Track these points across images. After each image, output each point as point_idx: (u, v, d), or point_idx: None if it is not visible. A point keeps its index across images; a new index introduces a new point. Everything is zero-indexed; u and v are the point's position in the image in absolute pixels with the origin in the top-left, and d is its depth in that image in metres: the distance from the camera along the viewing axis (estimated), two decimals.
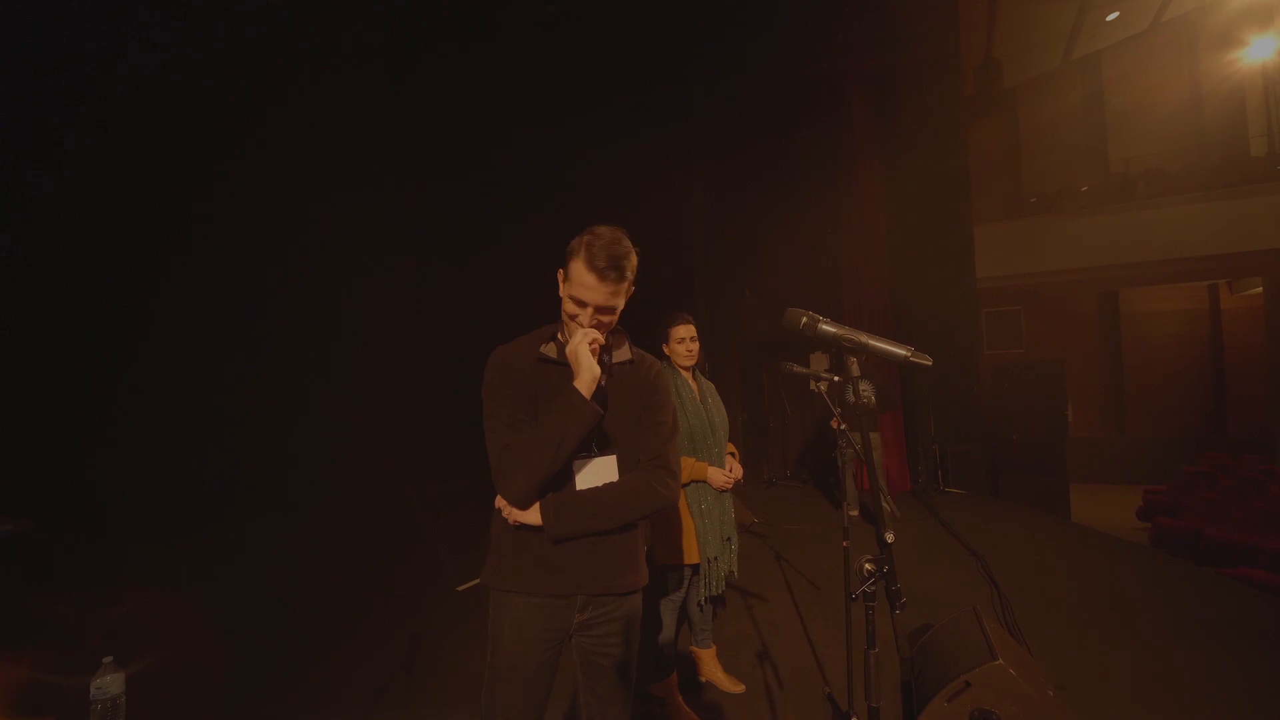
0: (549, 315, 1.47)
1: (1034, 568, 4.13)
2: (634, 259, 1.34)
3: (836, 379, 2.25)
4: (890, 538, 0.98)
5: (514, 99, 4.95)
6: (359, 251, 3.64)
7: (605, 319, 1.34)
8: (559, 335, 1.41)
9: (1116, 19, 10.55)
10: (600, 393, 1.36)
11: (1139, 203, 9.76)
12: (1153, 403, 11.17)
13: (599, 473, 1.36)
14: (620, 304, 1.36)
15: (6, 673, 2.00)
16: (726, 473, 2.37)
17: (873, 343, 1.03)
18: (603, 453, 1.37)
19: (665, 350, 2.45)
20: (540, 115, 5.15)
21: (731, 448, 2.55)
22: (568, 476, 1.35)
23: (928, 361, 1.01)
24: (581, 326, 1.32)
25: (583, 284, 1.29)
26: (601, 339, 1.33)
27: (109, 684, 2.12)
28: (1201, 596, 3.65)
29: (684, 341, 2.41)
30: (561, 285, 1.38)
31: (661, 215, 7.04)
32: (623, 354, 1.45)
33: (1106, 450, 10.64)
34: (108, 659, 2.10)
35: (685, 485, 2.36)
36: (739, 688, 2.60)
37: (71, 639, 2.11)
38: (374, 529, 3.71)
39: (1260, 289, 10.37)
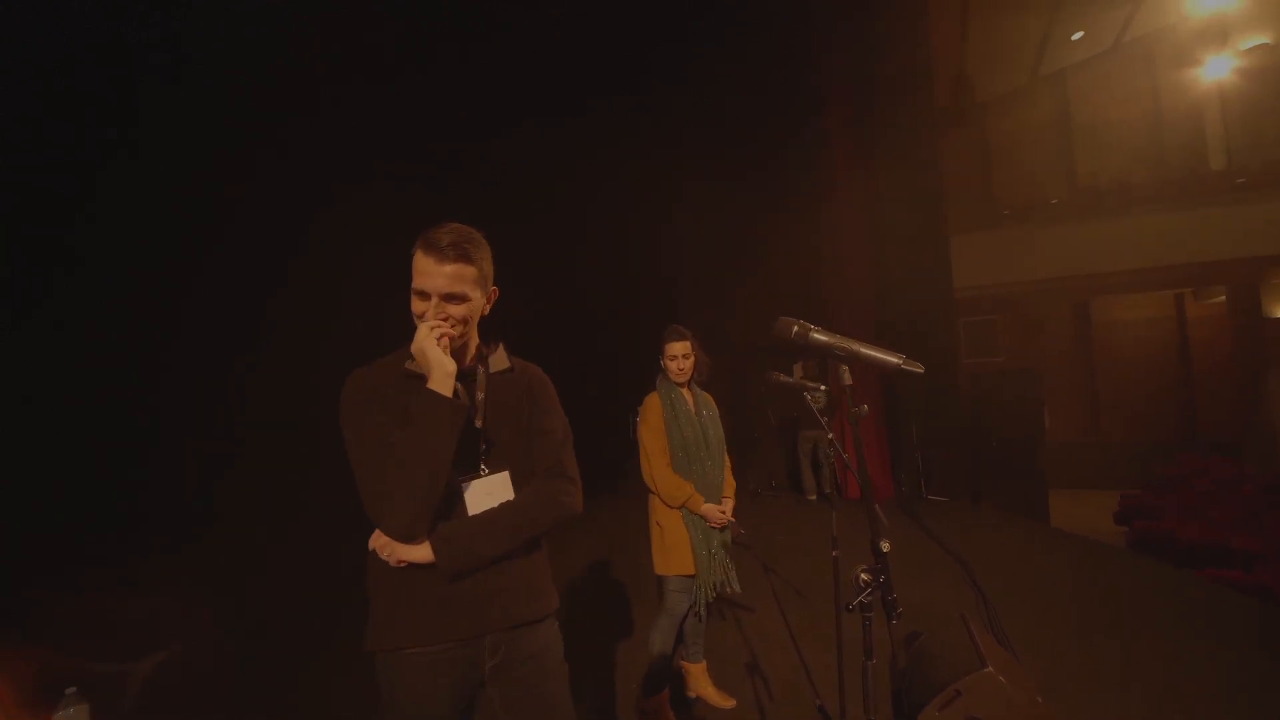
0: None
1: (1016, 573, 4.18)
2: (484, 249, 1.23)
3: (822, 388, 2.27)
4: (886, 546, 0.97)
5: (503, 104, 4.95)
6: (366, 253, 3.62)
7: (455, 310, 1.18)
8: None
9: (1081, 38, 10.94)
10: (480, 406, 1.26)
11: (1106, 214, 10.07)
12: (1125, 408, 11.45)
13: (492, 493, 1.23)
14: (472, 295, 1.20)
15: (18, 670, 1.98)
16: (721, 511, 2.34)
17: (864, 350, 1.03)
18: (493, 471, 1.24)
19: (662, 363, 2.47)
20: (527, 122, 5.16)
21: (729, 487, 2.50)
22: (457, 501, 1.19)
23: (919, 369, 1.01)
24: (428, 322, 1.17)
25: (422, 270, 1.16)
26: (450, 331, 1.17)
27: (73, 716, 2.03)
28: (1178, 597, 3.72)
29: (675, 359, 2.42)
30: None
31: (645, 225, 7.07)
32: (500, 362, 1.32)
33: (1083, 455, 10.86)
34: (71, 690, 2.02)
35: (678, 507, 2.34)
36: (730, 703, 2.57)
37: (93, 635, 2.11)
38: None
39: (1223, 297, 10.73)
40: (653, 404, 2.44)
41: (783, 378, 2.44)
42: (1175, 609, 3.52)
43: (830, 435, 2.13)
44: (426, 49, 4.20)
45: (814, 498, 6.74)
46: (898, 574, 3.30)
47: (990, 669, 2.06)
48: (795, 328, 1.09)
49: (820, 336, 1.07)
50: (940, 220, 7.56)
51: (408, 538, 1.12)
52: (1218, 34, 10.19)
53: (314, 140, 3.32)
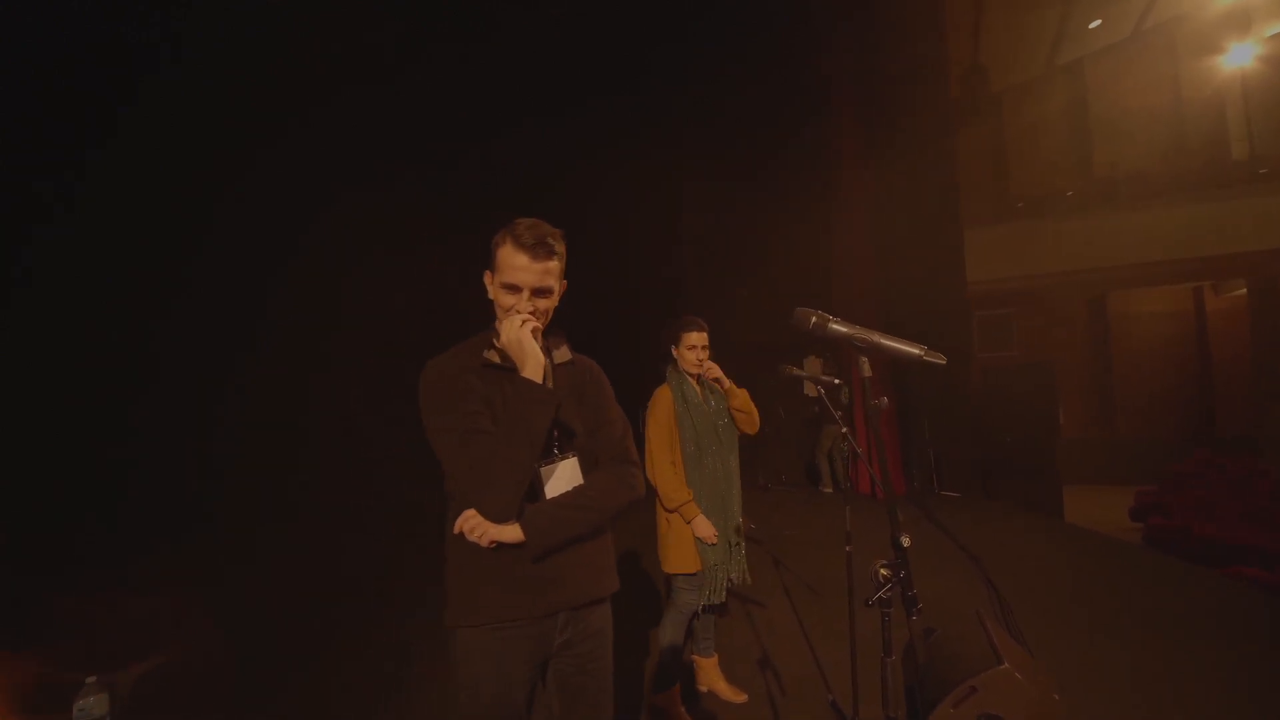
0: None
1: (1030, 569, 4.13)
2: (563, 244, 1.30)
3: (837, 382, 2.24)
4: (906, 542, 0.96)
5: (510, 100, 4.92)
6: (366, 253, 3.62)
7: (543, 303, 1.28)
8: (494, 342, 1.31)
9: (1099, 26, 10.72)
10: None
11: (1123, 206, 9.90)
12: (1142, 403, 11.29)
13: (565, 477, 1.29)
14: (555, 288, 1.30)
15: (17, 671, 1.99)
16: (713, 533, 2.29)
17: (885, 342, 1.01)
18: (563, 456, 1.31)
19: (674, 354, 2.43)
20: (533, 116, 5.13)
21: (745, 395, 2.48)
22: (536, 485, 1.26)
23: (942, 360, 0.99)
24: (519, 314, 1.25)
25: (514, 265, 1.24)
26: (538, 324, 1.26)
27: (93, 705, 2.05)
28: (1195, 595, 3.66)
29: (695, 349, 2.38)
30: (490, 287, 1.31)
31: (653, 218, 7.03)
32: (563, 355, 1.39)
33: (1097, 451, 10.72)
34: (91, 679, 2.04)
35: (672, 511, 2.31)
36: (741, 697, 2.56)
37: (86, 638, 2.11)
38: (386, 538, 3.68)
39: (1244, 290, 10.53)
40: (663, 397, 2.40)
41: (794, 370, 2.41)
42: (1192, 607, 3.47)
43: (845, 430, 2.11)
44: (427, 49, 4.18)
45: (829, 490, 6.73)
46: (911, 569, 3.26)
47: (1007, 665, 2.04)
48: (814, 319, 1.07)
49: (839, 327, 1.05)
50: (954, 213, 7.46)
51: (504, 518, 1.17)
52: (1240, 21, 9.96)
53: (314, 140, 3.32)
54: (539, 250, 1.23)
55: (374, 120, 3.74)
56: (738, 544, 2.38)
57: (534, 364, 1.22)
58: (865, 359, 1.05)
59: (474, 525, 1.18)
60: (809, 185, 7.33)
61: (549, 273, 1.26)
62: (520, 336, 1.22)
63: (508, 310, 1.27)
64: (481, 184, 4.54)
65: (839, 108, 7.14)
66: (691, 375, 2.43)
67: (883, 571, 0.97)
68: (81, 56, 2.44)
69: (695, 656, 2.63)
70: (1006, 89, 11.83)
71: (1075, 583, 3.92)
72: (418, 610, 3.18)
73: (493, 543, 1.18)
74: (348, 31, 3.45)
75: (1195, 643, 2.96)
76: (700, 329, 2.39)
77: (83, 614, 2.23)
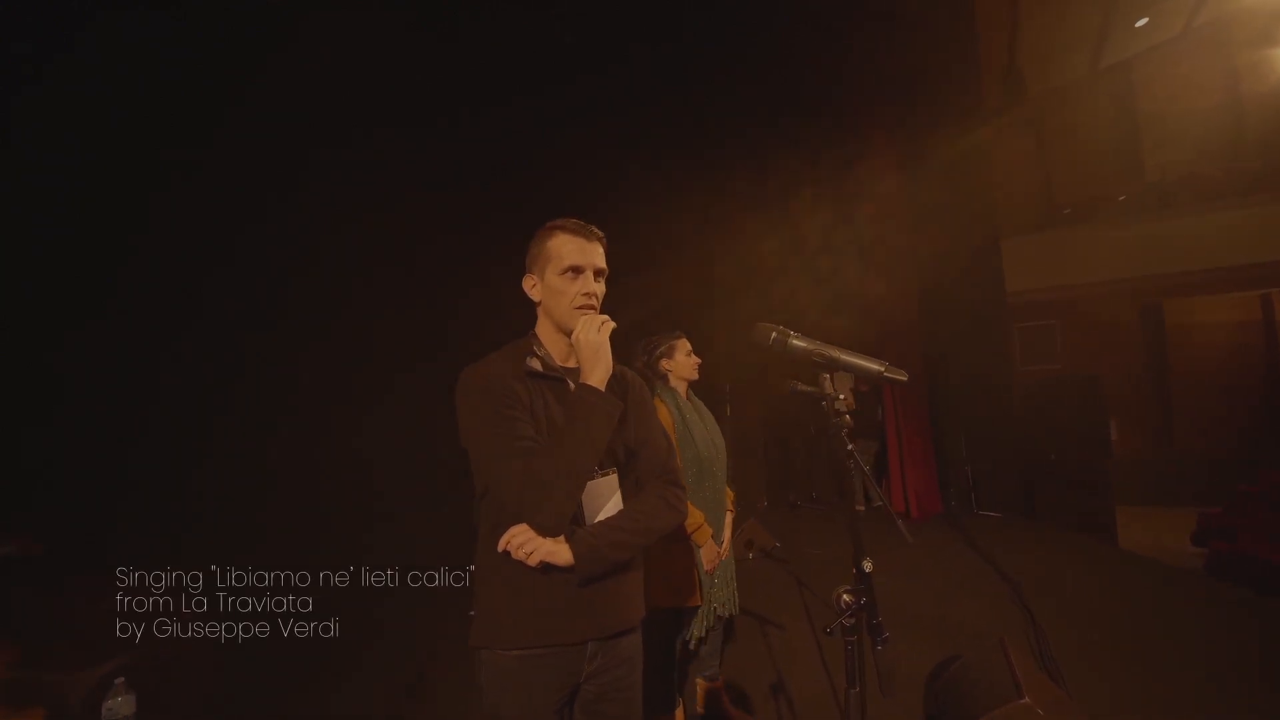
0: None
1: (1074, 596, 3.89)
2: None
3: (842, 396, 2.16)
4: (869, 566, 0.91)
5: (516, 104, 4.91)
6: (366, 253, 3.70)
7: (599, 288, 1.27)
8: (536, 349, 1.28)
9: (1146, 24, 10.29)
10: None
11: (1179, 210, 9.41)
12: (1204, 419, 10.56)
13: (604, 495, 1.24)
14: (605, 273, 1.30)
15: None
16: (717, 552, 2.19)
17: (845, 357, 0.98)
18: (604, 472, 1.24)
19: (663, 368, 2.32)
20: (536, 117, 5.09)
21: (730, 496, 2.39)
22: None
23: (903, 377, 0.95)
24: (585, 296, 1.23)
25: (572, 249, 1.23)
26: (614, 324, 1.22)
27: (120, 705, 2.13)
28: (1261, 629, 3.37)
29: (690, 355, 2.32)
30: (536, 288, 1.28)
31: (663, 225, 6.94)
32: None
33: (1155, 470, 10.05)
34: (119, 679, 2.12)
35: (687, 536, 2.18)
36: None
37: (63, 634, 2.18)
38: (387, 538, 3.73)
39: None
40: (660, 415, 2.30)
41: (802, 386, 2.33)
42: (1258, 642, 3.19)
43: (850, 447, 2.03)
44: (427, 47, 4.19)
45: (861, 508, 6.54)
46: (942, 593, 3.14)
47: (1027, 700, 1.91)
48: (774, 334, 1.04)
49: (799, 343, 1.02)
50: (991, 221, 7.23)
51: (557, 530, 1.12)
52: None
53: (317, 141, 3.38)
54: (590, 234, 1.26)
55: (375, 121, 3.79)
56: (724, 571, 2.28)
57: (603, 371, 1.18)
58: (828, 375, 1.02)
59: (522, 542, 1.11)
60: (840, 194, 7.20)
61: (601, 256, 1.27)
62: (600, 340, 1.18)
63: (571, 299, 1.23)
64: (482, 185, 4.55)
65: (871, 112, 6.99)
66: (685, 383, 2.34)
67: (845, 598, 0.92)
68: (80, 54, 2.54)
69: (700, 680, 2.55)
70: (1047, 92, 11.44)
71: (1126, 611, 3.66)
72: (419, 611, 3.20)
73: (541, 562, 1.12)
74: (348, 30, 3.48)
75: (1261, 682, 2.71)
76: (684, 336, 2.34)
77: (78, 614, 2.30)
